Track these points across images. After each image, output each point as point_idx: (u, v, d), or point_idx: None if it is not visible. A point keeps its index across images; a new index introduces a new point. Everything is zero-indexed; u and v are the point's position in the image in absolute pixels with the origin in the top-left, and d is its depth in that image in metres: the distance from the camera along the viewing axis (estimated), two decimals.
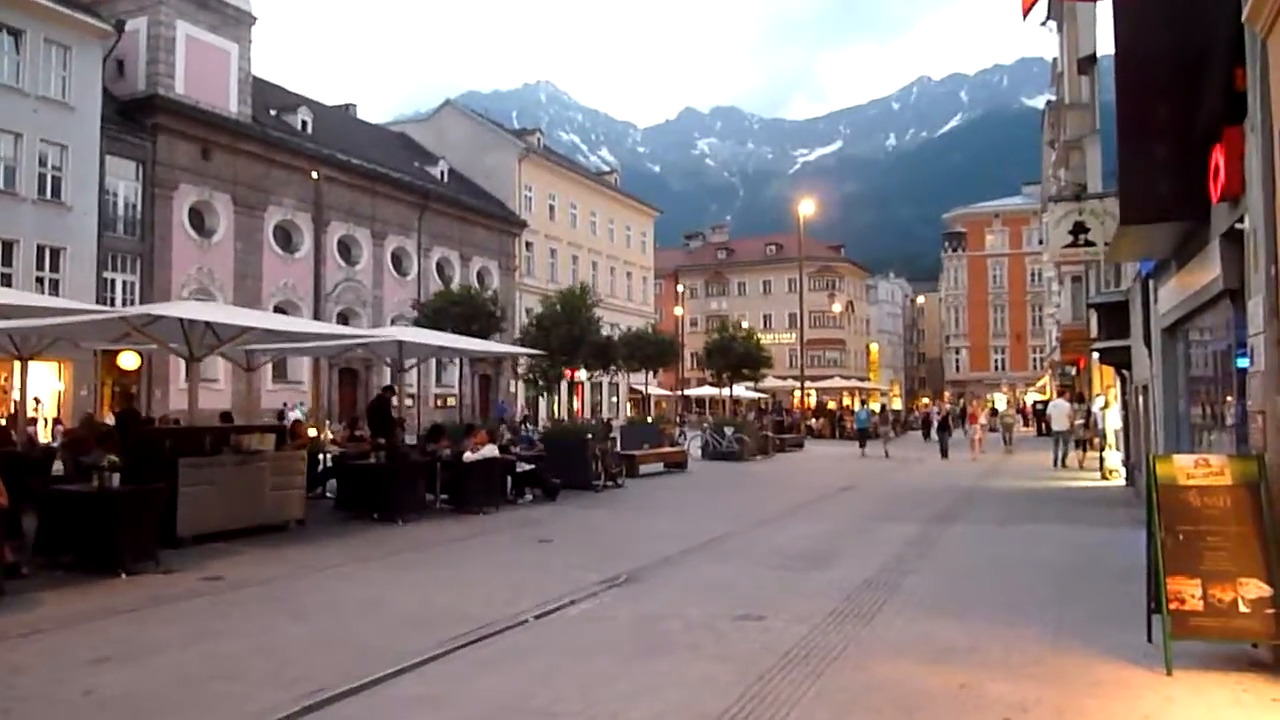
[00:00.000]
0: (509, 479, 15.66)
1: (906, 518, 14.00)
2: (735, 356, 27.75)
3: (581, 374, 46.79)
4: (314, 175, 30.14)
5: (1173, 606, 5.95)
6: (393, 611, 7.81)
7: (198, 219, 31.85)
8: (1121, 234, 9.08)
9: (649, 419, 36.07)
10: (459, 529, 12.68)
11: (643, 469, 21.39)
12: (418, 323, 18.81)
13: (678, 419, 62.86)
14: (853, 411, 53.09)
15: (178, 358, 11.67)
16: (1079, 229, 14.45)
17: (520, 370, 20.77)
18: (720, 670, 6.22)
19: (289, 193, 35.09)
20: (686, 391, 59.61)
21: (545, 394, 21.06)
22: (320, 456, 15.16)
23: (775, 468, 25.23)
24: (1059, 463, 24.55)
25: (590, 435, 17.95)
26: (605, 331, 30.74)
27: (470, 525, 13.04)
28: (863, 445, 31.62)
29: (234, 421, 15.27)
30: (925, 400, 76.13)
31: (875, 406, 43.16)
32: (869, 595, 8.54)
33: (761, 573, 9.65)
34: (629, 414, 54.41)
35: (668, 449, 23.60)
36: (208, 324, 11.17)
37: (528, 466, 15.72)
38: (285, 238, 35.75)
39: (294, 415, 23.01)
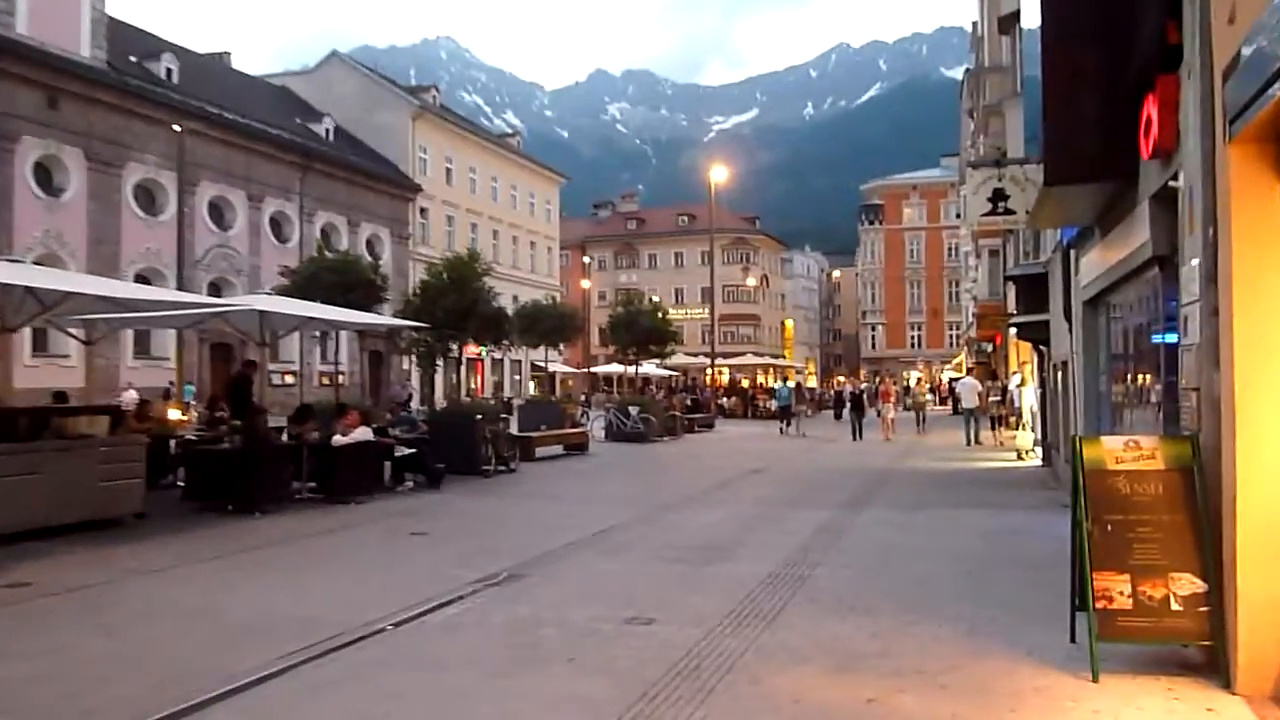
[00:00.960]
0: (388, 465, 14.90)
1: (816, 503, 13.85)
2: (641, 332, 27.40)
3: (480, 350, 46.15)
4: (176, 128, 28.47)
5: (1099, 605, 5.62)
6: (225, 622, 7.07)
7: (44, 175, 29.94)
8: (1044, 198, 8.77)
9: (552, 398, 35.58)
10: (324, 521, 11.96)
11: (540, 452, 21.15)
12: (286, 291, 17.77)
13: (583, 398, 62.76)
14: (766, 390, 53.62)
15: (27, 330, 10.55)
16: (998, 196, 14.28)
17: (404, 345, 19.86)
18: (598, 687, 5.67)
19: (152, 149, 33.26)
20: (594, 369, 59.17)
21: (433, 371, 20.24)
22: (171, 441, 14.14)
23: (683, 449, 25.19)
24: (970, 441, 25.16)
25: (480, 416, 17.31)
26: (503, 304, 29.97)
27: (338, 517, 12.35)
28: (786, 423, 32.07)
29: (68, 402, 14.10)
30: (841, 378, 77.17)
31: (791, 384, 43.38)
32: (771, 592, 8.13)
33: (657, 567, 9.19)
34: (533, 393, 53.81)
35: (568, 430, 23.39)
36: (28, 288, 10.12)
37: (408, 451, 14.97)
38: (147, 198, 33.91)
39: (130, 395, 21.66)
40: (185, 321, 14.35)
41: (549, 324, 28.82)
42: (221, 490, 12.08)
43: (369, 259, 20.48)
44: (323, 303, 17.51)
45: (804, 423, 33.15)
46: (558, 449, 22.50)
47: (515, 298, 31.42)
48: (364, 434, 13.57)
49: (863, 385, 51.01)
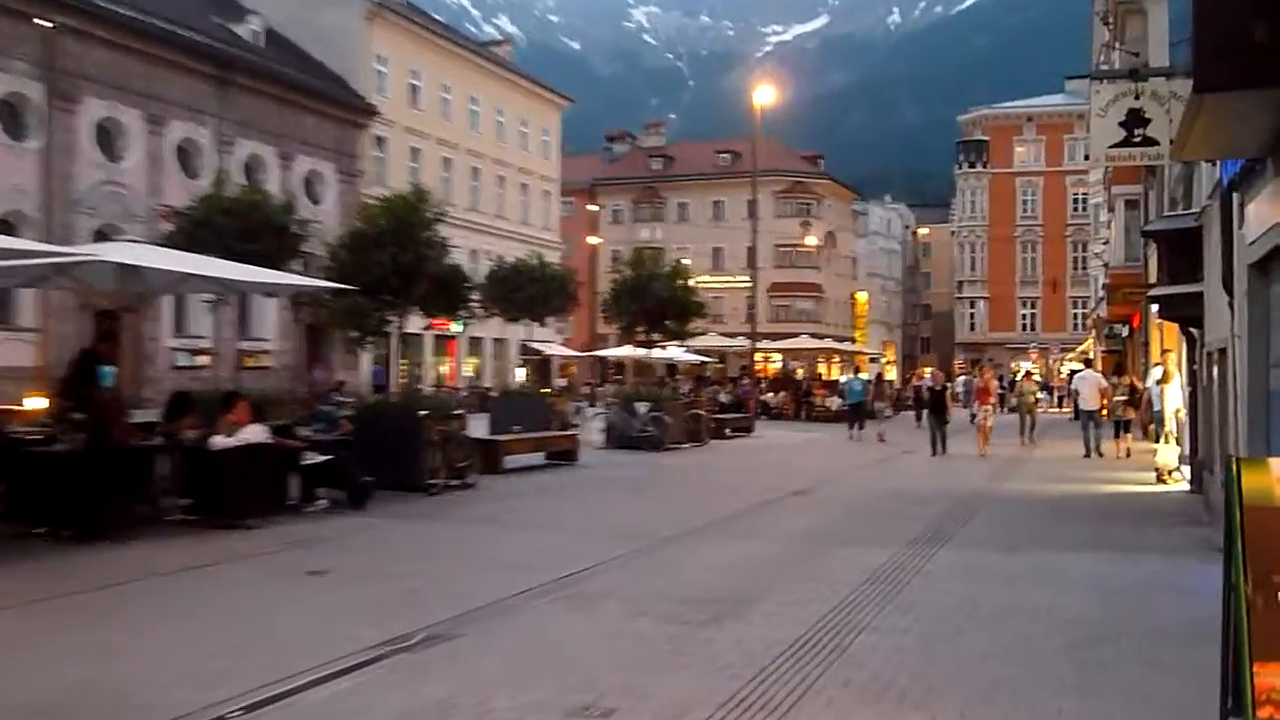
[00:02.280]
0: (297, 476, 14.66)
1: (875, 539, 13.48)
2: (654, 302, 26.99)
3: (451, 325, 45.85)
4: (44, 23, 27.96)
5: (1263, 713, 4.86)
6: None
7: None
8: (1194, 113, 7.98)
9: (545, 390, 35.06)
10: (193, 553, 11.59)
11: (513, 461, 21.21)
12: (172, 238, 17.30)
13: (588, 390, 62.68)
14: (825, 383, 53.09)
15: None
16: (1135, 119, 13.52)
17: (328, 315, 19.45)
18: None
19: (18, 51, 32.83)
20: (601, 353, 58.86)
21: (365, 349, 19.86)
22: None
23: (707, 460, 25.32)
24: (1089, 452, 25.97)
25: (426, 412, 16.99)
26: (477, 261, 29.41)
27: (214, 547, 12.03)
28: (858, 425, 33.11)
29: None
30: (927, 371, 76.66)
31: (866, 376, 42.98)
32: (793, 670, 7.54)
33: (640, 628, 8.71)
34: (521, 382, 53.64)
35: (551, 434, 23.47)
36: None
37: (322, 458, 14.54)
38: (11, 118, 33.50)
39: None
40: (19, 278, 13.80)
41: (534, 290, 28.44)
42: (55, 508, 11.53)
43: (283, 199, 19.88)
44: (220, 255, 17.06)
45: (883, 426, 33.63)
46: (537, 457, 22.55)
47: (500, 258, 30.94)
48: (256, 434, 13.07)
49: (952, 378, 50.29)
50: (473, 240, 55.10)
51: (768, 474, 22.17)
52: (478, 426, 25.73)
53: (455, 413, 18.44)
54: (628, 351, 42.46)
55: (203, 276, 13.94)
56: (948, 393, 27.85)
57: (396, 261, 16.76)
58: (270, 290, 18.76)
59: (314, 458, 14.79)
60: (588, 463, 23.11)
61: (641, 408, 26.93)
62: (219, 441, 12.97)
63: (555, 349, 64.77)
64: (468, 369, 57.42)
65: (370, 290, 16.79)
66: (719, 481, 20.68)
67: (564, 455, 22.87)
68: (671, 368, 72.87)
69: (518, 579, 10.37)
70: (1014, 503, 17.74)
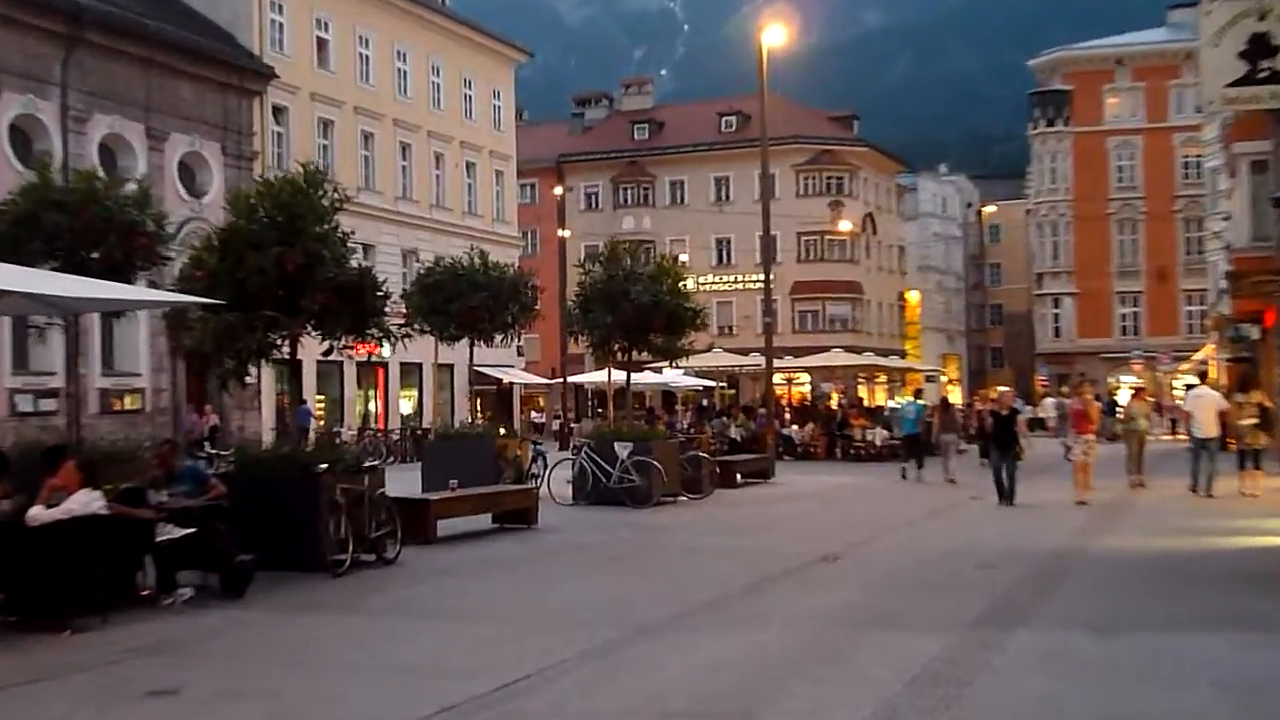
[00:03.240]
0: (149, 556, 14.44)
1: (926, 620, 13.37)
2: (634, 310, 26.71)
3: (378, 349, 45.75)
4: None
5: None
6: None
7: None
8: None
9: (504, 428, 34.63)
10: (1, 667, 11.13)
11: (448, 527, 21.03)
12: None
13: (560, 425, 62.43)
14: (872, 410, 52.70)
15: None
16: (1260, 47, 13.09)
17: (193, 340, 19.02)
18: None
19: None
20: (577, 378, 58.66)
21: (242, 384, 19.40)
22: None
23: (709, 518, 25.32)
24: (1199, 487, 26.60)
25: (326, 467, 16.72)
26: (404, 263, 28.99)
27: (28, 659, 11.67)
28: (917, 463, 34.28)
29: None
30: (998, 391, 76.46)
31: (922, 402, 42.66)
32: None
33: None
34: (474, 418, 53.27)
35: (498, 489, 23.76)
36: None
37: (182, 532, 14.13)
38: None
39: None
40: None
41: (474, 301, 28.18)
42: None
43: (135, 188, 19.41)
44: (54, 264, 16.64)
45: (952, 464, 34.00)
46: (482, 520, 22.49)
47: (440, 259, 30.61)
48: (84, 503, 12.61)
49: (1034, 399, 49.75)
50: (404, 237, 54.91)
51: (788, 534, 22.27)
52: (405, 481, 25.15)
53: (367, 465, 18.21)
54: (605, 376, 42.07)
55: (20, 294, 13.42)
56: (1018, 420, 27.33)
57: (280, 266, 16.27)
58: (110, 308, 18.29)
59: (173, 531, 14.43)
60: (549, 525, 22.93)
61: (622, 450, 26.72)
62: (37, 515, 12.49)
63: (516, 375, 64.66)
64: (405, 404, 57.16)
65: (244, 304, 16.31)
66: (722, 546, 20.61)
67: (518, 516, 22.69)
68: (668, 396, 73.28)
69: (434, 693, 10.10)
70: (1112, 564, 17.78)
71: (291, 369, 18.87)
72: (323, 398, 50.56)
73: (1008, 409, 27.78)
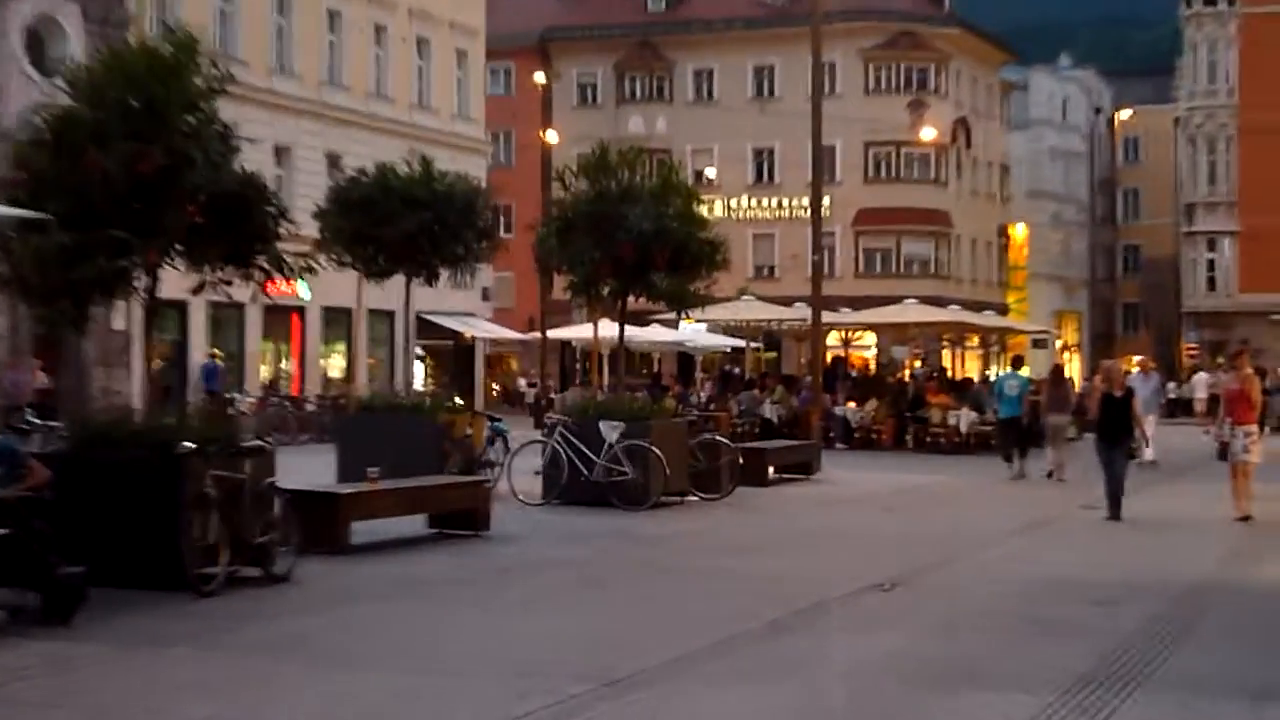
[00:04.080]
0: None
1: (1012, 674, 13.34)
2: (629, 241, 26.41)
3: (301, 291, 45.28)
4: None
5: None
6: None
7: None
8: None
9: (457, 398, 34.35)
10: None
11: (368, 530, 20.98)
12: None
13: (534, 392, 62.05)
14: (959, 383, 52.08)
15: None
16: None
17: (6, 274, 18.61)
18: None
19: None
20: (560, 332, 58.18)
21: (81, 334, 19.04)
22: None
23: (726, 527, 25.50)
24: None
25: (192, 446, 16.44)
26: (331, 173, 28.55)
27: None
28: (1018, 454, 35.14)
29: None
30: (1135, 360, 75.91)
31: (1027, 374, 41.98)
32: None
33: None
34: (421, 384, 53.05)
35: (442, 479, 24.00)
36: None
37: None
38: None
39: None
40: None
41: (409, 224, 27.77)
42: None
43: None
44: None
45: (1061, 456, 34.20)
46: (414, 523, 22.54)
47: (357, 172, 30.24)
48: None
49: (1179, 374, 48.95)
50: (331, 137, 54.50)
51: (830, 553, 22.19)
52: (318, 469, 24.67)
53: (251, 445, 17.85)
54: (602, 331, 41.62)
55: None
56: (1134, 402, 26.81)
57: (132, 169, 15.86)
58: None
59: None
60: (507, 533, 22.73)
61: (609, 431, 26.52)
62: None
63: (481, 327, 64.39)
64: (332, 364, 56.98)
65: (83, 221, 15.89)
66: (739, 567, 20.34)
67: (464, 520, 22.53)
68: (685, 360, 72.81)
69: None
70: (1269, 604, 17.76)
71: (148, 311, 18.51)
72: (217, 354, 50.32)
73: (1122, 387, 27.25)
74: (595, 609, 17.01)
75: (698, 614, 16.31)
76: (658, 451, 26.42)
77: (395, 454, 23.74)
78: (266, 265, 17.88)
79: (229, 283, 18.10)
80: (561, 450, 26.90)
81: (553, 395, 57.87)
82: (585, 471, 26.53)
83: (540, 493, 26.92)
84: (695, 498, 28.00)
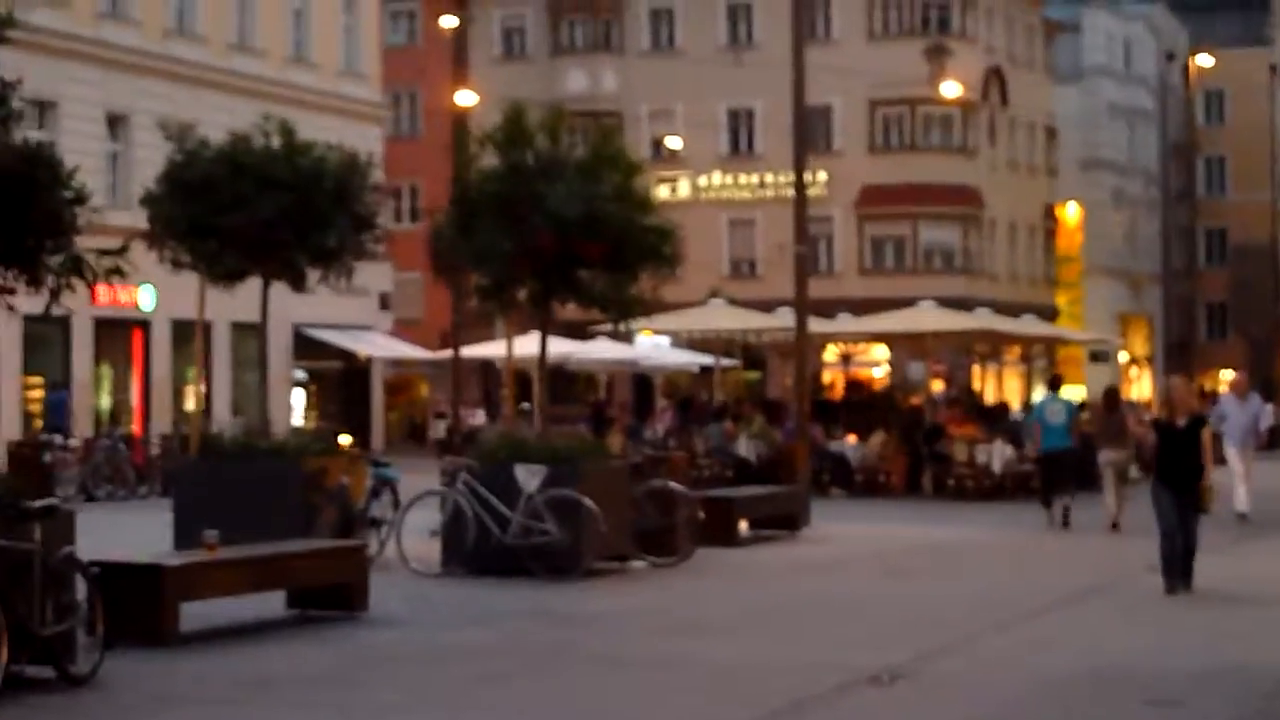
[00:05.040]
0: None
1: None
2: (547, 230, 26.00)
3: (143, 299, 44.61)
4: None
5: None
6: None
7: None
8: None
9: (343, 438, 33.94)
10: None
11: (203, 613, 20.67)
12: None
13: (443, 425, 61.60)
14: (990, 410, 51.67)
15: None
16: None
17: None
18: None
19: None
20: (477, 349, 57.89)
21: None
22: None
23: (675, 603, 25.42)
24: None
25: None
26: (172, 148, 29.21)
27: None
28: (1061, 495, 35.54)
29: None
30: (1226, 376, 75.99)
31: (1074, 397, 41.44)
32: None
33: None
34: (313, 415, 52.79)
35: (302, 548, 23.43)
36: None
37: None
38: None
39: None
40: None
41: (267, 209, 27.34)
42: None
43: None
44: None
45: (1119, 500, 34.66)
46: (268, 602, 22.17)
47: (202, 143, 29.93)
48: None
49: (1272, 397, 48.84)
50: (181, 102, 54.05)
51: (815, 634, 21.96)
52: (154, 530, 24.29)
53: (37, 506, 17.18)
54: (525, 347, 41.18)
55: None
56: (1204, 433, 26.41)
57: None
58: None
59: None
60: (389, 614, 22.52)
61: (529, 479, 26.23)
62: None
63: (378, 345, 64.01)
64: (191, 393, 56.59)
65: None
66: (693, 656, 19.84)
67: (334, 597, 22.36)
68: (642, 383, 72.15)
69: None
70: None
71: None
72: (38, 379, 49.92)
73: (1188, 413, 26.70)
74: (493, 714, 16.62)
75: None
76: (590, 504, 26.05)
77: (249, 511, 23.85)
78: (57, 268, 17.40)
79: (9, 291, 17.63)
80: (466, 504, 26.56)
81: (476, 428, 57.48)
82: (498, 531, 26.25)
83: (439, 559, 26.78)
84: (641, 563, 27.99)
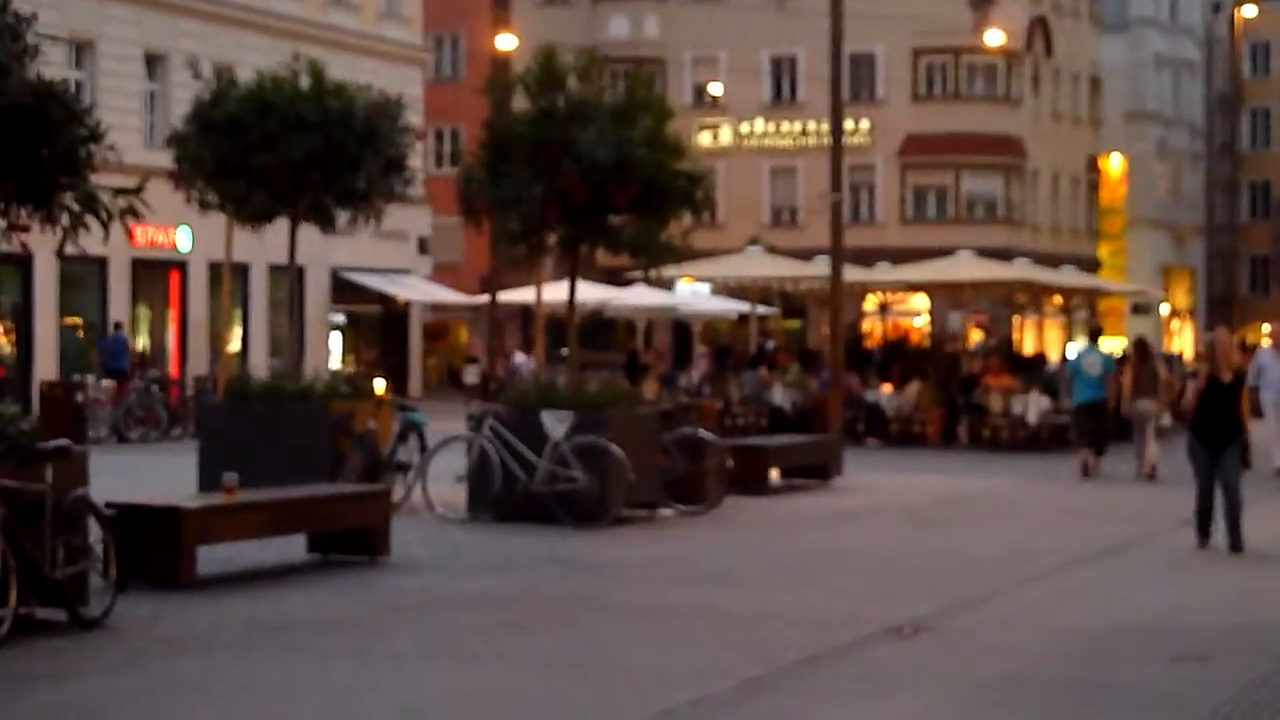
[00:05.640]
0: None
1: None
2: (577, 174, 25.92)
3: (180, 240, 44.64)
4: None
5: None
6: None
7: None
8: None
9: (371, 381, 33.79)
10: None
11: (223, 555, 20.88)
12: None
13: (475, 371, 61.57)
14: (1028, 359, 51.29)
15: None
16: None
17: None
18: None
19: None
20: (514, 294, 57.76)
21: None
22: None
23: (703, 552, 25.25)
24: None
25: None
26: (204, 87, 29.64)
27: None
28: (1095, 450, 35.99)
29: None
30: (1268, 330, 75.77)
31: (1111, 350, 41.18)
32: None
33: None
34: (339, 358, 52.67)
35: (326, 492, 23.49)
36: None
37: None
38: None
39: None
40: None
41: (297, 149, 27.17)
42: None
43: None
44: None
45: (1157, 452, 35.01)
46: (290, 545, 22.32)
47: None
48: None
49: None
50: (219, 43, 54.22)
51: (840, 583, 21.97)
52: (175, 472, 24.16)
53: (48, 447, 17.11)
54: (559, 292, 41.10)
55: None
56: (1243, 390, 26.07)
57: None
58: None
59: None
60: (413, 559, 22.66)
61: (556, 425, 26.16)
62: None
63: (416, 289, 63.80)
64: (235, 336, 56.62)
65: None
66: (719, 605, 19.87)
67: (356, 542, 22.22)
68: (681, 329, 71.94)
69: None
70: None
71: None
72: (76, 321, 50.06)
73: (1232, 368, 26.34)
74: (509, 663, 16.33)
75: (649, 670, 15.87)
76: (618, 451, 26.03)
77: (275, 454, 24.13)
78: (74, 206, 17.23)
79: (23, 228, 17.46)
80: (492, 450, 26.49)
81: (520, 373, 57.33)
82: (524, 477, 26.20)
83: (465, 505, 26.68)
84: (670, 511, 27.88)
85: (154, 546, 18.89)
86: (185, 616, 17.90)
